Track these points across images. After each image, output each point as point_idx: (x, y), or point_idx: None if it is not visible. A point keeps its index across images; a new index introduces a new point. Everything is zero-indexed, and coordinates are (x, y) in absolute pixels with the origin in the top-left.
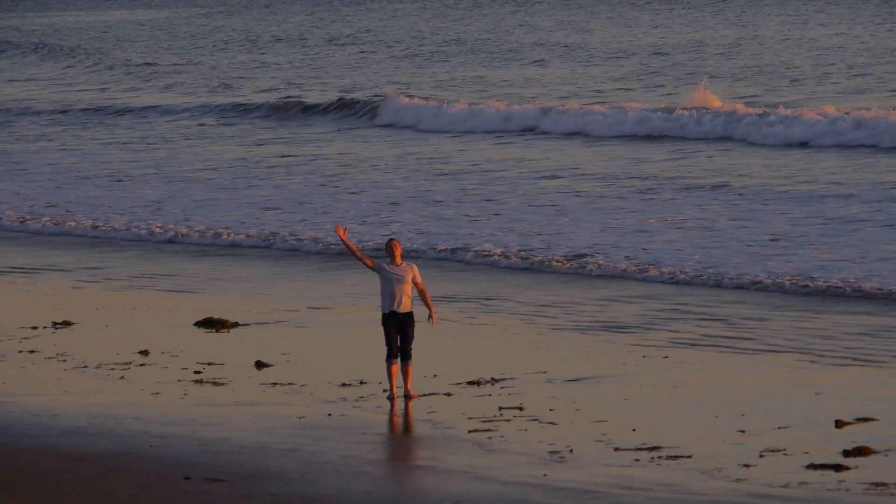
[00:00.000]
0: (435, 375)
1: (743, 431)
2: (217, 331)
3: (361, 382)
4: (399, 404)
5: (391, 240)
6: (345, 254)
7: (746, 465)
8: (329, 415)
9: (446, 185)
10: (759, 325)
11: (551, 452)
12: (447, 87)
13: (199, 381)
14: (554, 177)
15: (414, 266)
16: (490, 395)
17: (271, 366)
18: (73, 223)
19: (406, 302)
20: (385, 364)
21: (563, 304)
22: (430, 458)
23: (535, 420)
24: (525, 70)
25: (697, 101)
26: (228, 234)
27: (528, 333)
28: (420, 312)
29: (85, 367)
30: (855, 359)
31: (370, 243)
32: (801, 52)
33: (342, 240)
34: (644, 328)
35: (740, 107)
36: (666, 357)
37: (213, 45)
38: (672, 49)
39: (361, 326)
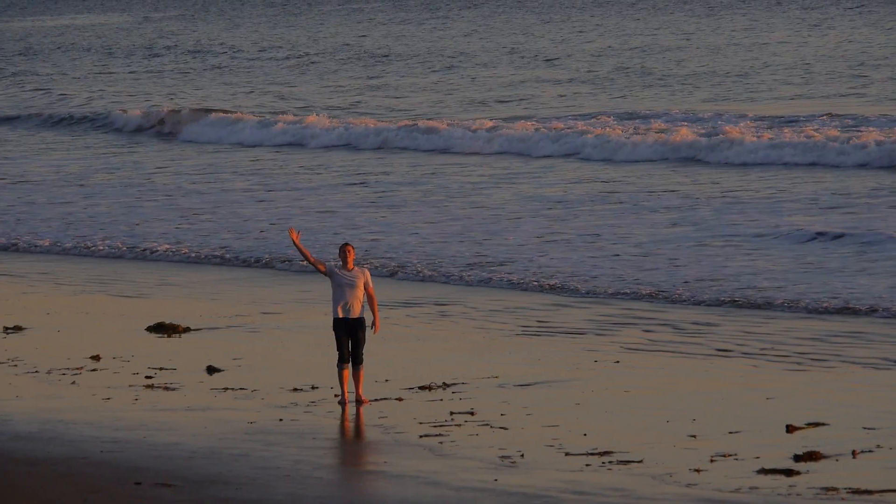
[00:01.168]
0: (386, 380)
1: (694, 436)
2: (169, 336)
3: (313, 387)
4: (350, 409)
5: (345, 244)
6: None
7: (697, 470)
8: (280, 420)
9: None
10: (708, 330)
11: (502, 457)
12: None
13: (151, 386)
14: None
15: (366, 271)
16: (441, 399)
17: (223, 371)
18: None
19: (357, 307)
20: (336, 369)
21: (514, 310)
22: (382, 464)
23: (487, 425)
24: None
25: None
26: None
27: (480, 338)
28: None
29: (36, 371)
30: (805, 363)
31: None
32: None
33: (295, 243)
34: (595, 333)
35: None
36: (617, 362)
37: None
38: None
39: (313, 331)
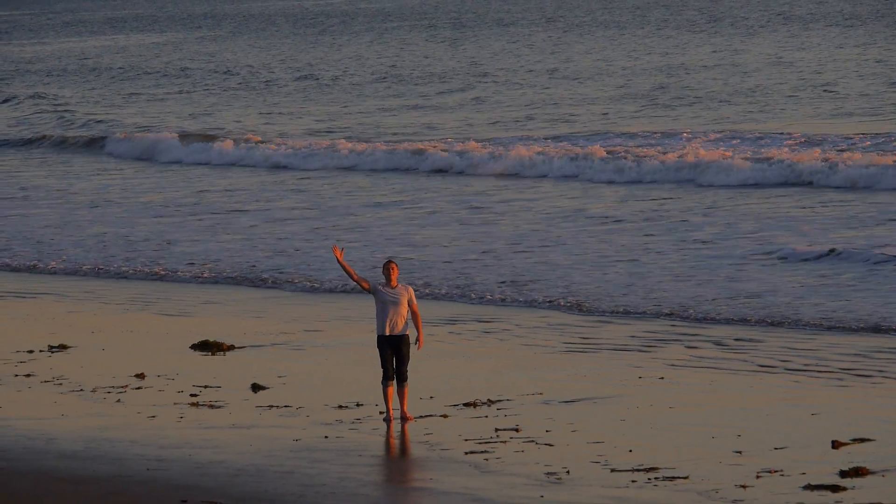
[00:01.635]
0: (431, 397)
1: (739, 452)
2: (213, 353)
3: (358, 404)
4: (395, 426)
5: (389, 261)
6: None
7: (743, 486)
8: (326, 437)
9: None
10: (751, 347)
11: (548, 474)
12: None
13: (196, 404)
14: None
15: (409, 288)
16: (486, 416)
17: (268, 388)
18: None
19: (401, 324)
20: (381, 386)
21: (558, 326)
22: (427, 480)
23: (532, 441)
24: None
25: None
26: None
27: (525, 354)
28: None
29: (81, 390)
30: (848, 379)
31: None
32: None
33: (338, 261)
34: (638, 349)
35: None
36: (662, 378)
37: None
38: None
39: (357, 348)
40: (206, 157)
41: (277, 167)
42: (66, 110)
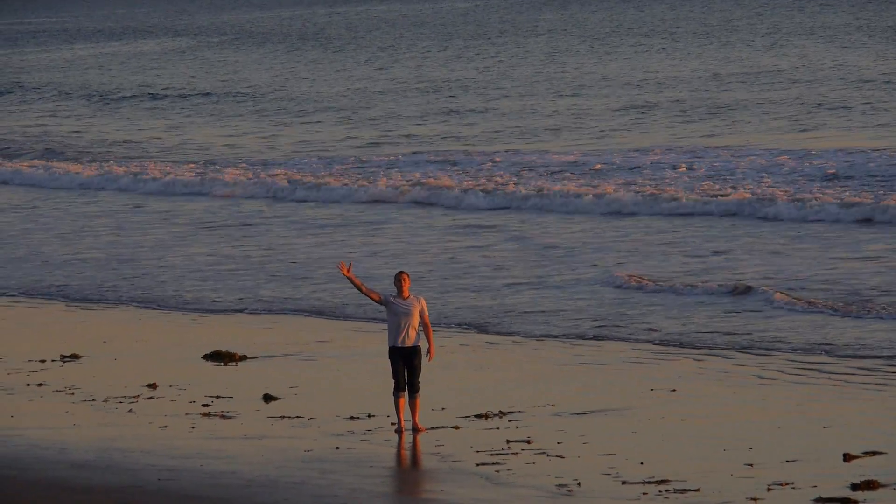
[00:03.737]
0: (443, 408)
1: (751, 465)
2: (225, 364)
3: (369, 415)
4: (407, 437)
5: (400, 272)
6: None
7: (755, 499)
8: (337, 448)
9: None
10: (762, 360)
11: (559, 486)
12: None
13: (208, 415)
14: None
15: (422, 299)
16: (498, 428)
17: (279, 399)
18: None
19: (413, 335)
20: (392, 397)
21: (569, 337)
22: (439, 492)
23: (543, 453)
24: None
25: None
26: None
27: (535, 367)
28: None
29: (93, 400)
30: (860, 392)
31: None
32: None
33: (346, 276)
34: (649, 362)
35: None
36: (673, 390)
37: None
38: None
39: (369, 359)
40: None
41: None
42: None
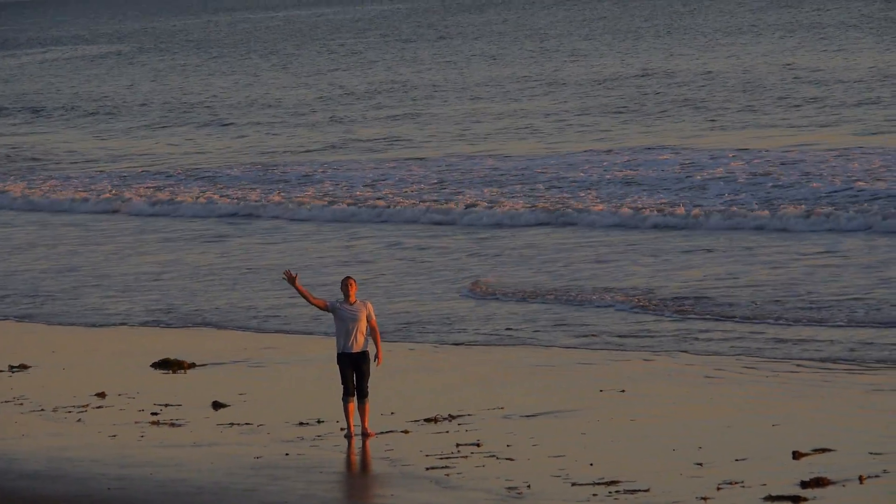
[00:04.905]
0: (392, 413)
1: (700, 464)
2: (174, 372)
3: (319, 421)
4: (357, 442)
5: (347, 278)
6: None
7: (704, 499)
8: (287, 454)
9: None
10: (711, 359)
11: (509, 488)
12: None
13: (157, 423)
14: None
15: (368, 304)
16: (447, 431)
17: (228, 406)
18: None
19: (361, 340)
20: (342, 402)
21: (518, 340)
22: (388, 496)
23: (493, 456)
24: None
25: None
26: None
27: (484, 370)
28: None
29: (42, 410)
30: (808, 389)
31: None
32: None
33: (293, 285)
34: (599, 362)
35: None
36: (623, 391)
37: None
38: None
39: (317, 365)
40: None
41: None
42: None
